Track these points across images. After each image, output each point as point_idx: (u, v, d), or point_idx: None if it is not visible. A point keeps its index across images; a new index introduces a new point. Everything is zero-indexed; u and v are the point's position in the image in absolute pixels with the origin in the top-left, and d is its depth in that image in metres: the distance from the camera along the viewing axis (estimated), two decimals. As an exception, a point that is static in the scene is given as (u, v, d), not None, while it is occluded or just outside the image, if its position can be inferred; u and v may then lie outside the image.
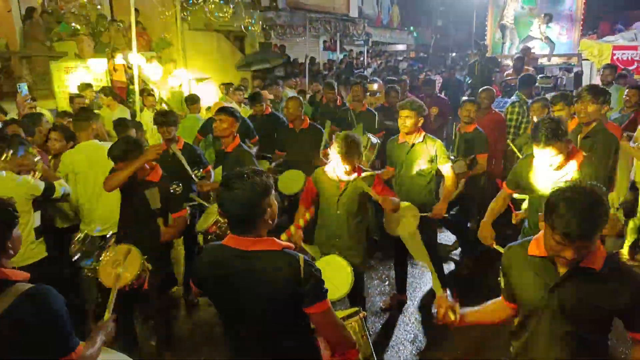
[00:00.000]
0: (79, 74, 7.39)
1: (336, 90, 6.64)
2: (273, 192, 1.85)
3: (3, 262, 1.75)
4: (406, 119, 3.78)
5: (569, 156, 2.80)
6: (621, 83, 6.39)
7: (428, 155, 3.85)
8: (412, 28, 24.36)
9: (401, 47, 24.05)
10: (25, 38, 8.53)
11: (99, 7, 11.25)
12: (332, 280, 2.65)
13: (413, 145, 3.87)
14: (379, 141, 4.84)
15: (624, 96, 5.66)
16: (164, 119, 4.17)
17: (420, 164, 3.87)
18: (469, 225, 5.06)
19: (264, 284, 1.77)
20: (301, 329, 1.90)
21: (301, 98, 5.45)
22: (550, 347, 1.84)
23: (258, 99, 5.87)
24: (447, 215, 3.99)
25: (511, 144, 4.67)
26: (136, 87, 6.55)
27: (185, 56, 10.71)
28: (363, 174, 3.18)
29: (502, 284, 2.06)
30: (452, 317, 1.97)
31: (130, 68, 8.80)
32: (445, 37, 25.02)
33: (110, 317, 2.17)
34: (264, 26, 12.32)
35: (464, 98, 4.04)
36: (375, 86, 7.85)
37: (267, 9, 13.14)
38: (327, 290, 1.84)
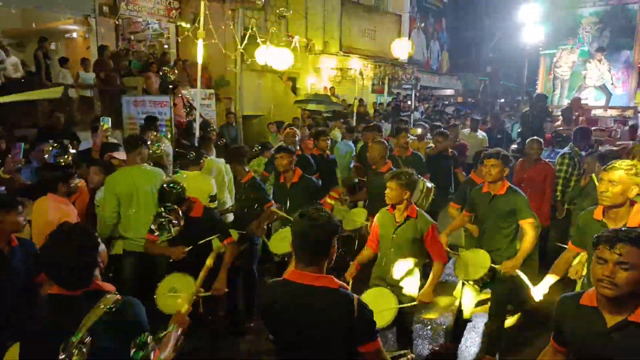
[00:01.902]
0: (146, 108, 7.98)
1: (383, 133, 6.84)
2: None
3: (96, 275, 1.98)
4: (491, 168, 3.75)
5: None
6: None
7: (509, 209, 3.76)
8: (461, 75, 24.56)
9: (449, 91, 24.22)
10: (97, 74, 9.32)
11: (165, 46, 12.20)
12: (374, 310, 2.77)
13: (495, 196, 3.80)
14: (433, 185, 4.93)
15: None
16: (234, 155, 4.57)
17: (500, 217, 3.80)
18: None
19: (320, 319, 1.89)
20: None
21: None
22: None
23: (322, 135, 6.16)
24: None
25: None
26: (197, 123, 7.00)
27: (242, 94, 11.34)
28: (419, 216, 3.35)
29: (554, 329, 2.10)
30: None
31: (190, 104, 9.43)
32: (493, 83, 25.03)
33: (188, 309, 2.33)
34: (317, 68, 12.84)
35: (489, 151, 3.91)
36: (419, 130, 8.00)
37: (320, 52, 13.73)
38: (378, 331, 1.95)
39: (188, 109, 9.18)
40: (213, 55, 11.43)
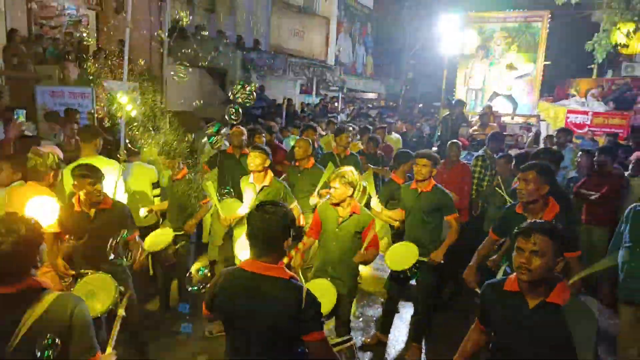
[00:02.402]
0: (65, 99, 7.47)
1: (317, 132, 7.01)
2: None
3: (34, 273, 1.90)
4: (422, 167, 4.07)
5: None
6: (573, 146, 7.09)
7: (435, 205, 4.10)
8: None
9: (372, 95, 25.08)
10: (6, 60, 8.55)
11: (84, 34, 11.45)
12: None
13: (422, 192, 4.13)
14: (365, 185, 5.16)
15: (576, 158, 6.27)
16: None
17: (427, 212, 4.11)
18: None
19: (269, 307, 1.99)
20: (299, 355, 2.09)
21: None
22: None
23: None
24: (443, 261, 4.11)
25: (499, 190, 5.05)
26: (123, 117, 6.68)
27: (167, 89, 10.95)
28: (362, 212, 3.56)
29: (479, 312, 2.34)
30: None
31: (111, 96, 8.96)
32: (414, 88, 26.31)
33: (112, 352, 2.26)
34: (247, 66, 12.75)
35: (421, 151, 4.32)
36: (350, 129, 8.31)
37: (250, 50, 13.63)
38: (324, 322, 2.07)
39: (109, 103, 8.72)
40: (137, 47, 10.94)
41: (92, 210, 3.29)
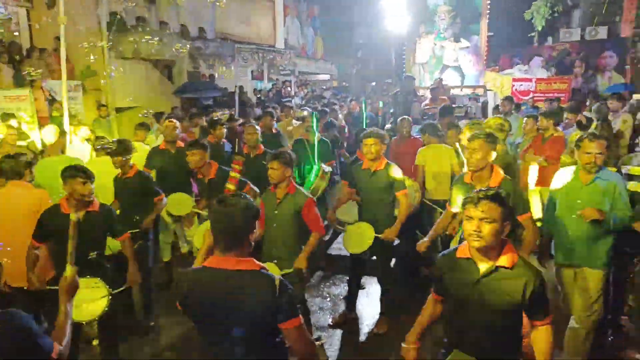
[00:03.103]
0: (1, 104, 7.07)
1: (274, 118, 6.95)
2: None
3: None
4: (371, 147, 4.11)
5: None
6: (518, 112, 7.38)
7: (388, 182, 4.16)
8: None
9: (325, 76, 25.05)
10: None
11: (16, 33, 10.79)
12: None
13: (375, 172, 4.18)
14: (331, 170, 5.20)
15: (522, 125, 6.54)
16: (118, 147, 4.32)
17: (381, 190, 4.18)
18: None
19: (245, 301, 1.93)
20: (277, 345, 2.06)
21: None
22: (477, 332, 2.21)
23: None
24: (398, 238, 4.21)
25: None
26: (66, 118, 6.41)
27: (112, 85, 10.53)
28: (296, 192, 3.64)
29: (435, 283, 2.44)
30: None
31: (52, 97, 8.56)
32: (365, 67, 26.45)
33: (73, 269, 2.21)
34: (194, 55, 12.43)
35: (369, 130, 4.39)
36: (304, 113, 8.29)
37: (196, 38, 13.27)
38: (299, 308, 2.04)
39: (50, 103, 8.33)
40: (74, 44, 10.43)
41: (81, 213, 3.17)
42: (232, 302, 1.94)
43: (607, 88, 15.68)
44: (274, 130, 6.83)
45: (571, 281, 3.44)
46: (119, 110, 11.00)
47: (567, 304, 3.50)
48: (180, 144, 5.26)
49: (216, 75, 13.53)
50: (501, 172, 3.34)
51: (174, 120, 5.51)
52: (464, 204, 2.20)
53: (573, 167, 3.47)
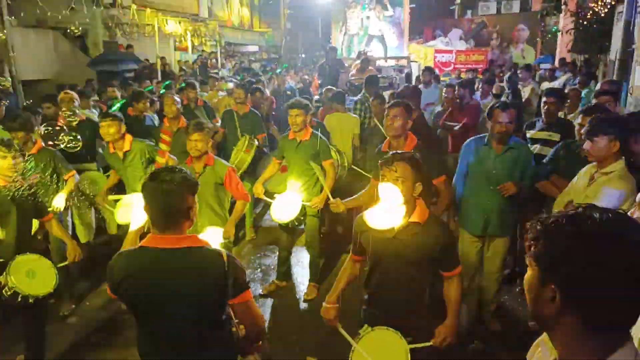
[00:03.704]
0: None
1: (197, 91, 6.73)
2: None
3: None
4: (296, 117, 4.13)
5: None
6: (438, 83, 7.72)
7: (314, 152, 4.21)
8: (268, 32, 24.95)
9: (253, 48, 24.47)
10: None
11: None
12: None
13: (300, 142, 4.23)
14: (257, 144, 5.16)
15: (443, 93, 6.84)
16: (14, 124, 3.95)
17: (307, 160, 4.21)
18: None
19: (192, 280, 1.83)
20: (224, 321, 1.98)
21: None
22: (392, 285, 2.37)
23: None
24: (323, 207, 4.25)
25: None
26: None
27: (14, 56, 9.60)
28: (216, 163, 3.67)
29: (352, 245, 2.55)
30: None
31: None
32: (294, 39, 26.16)
33: None
34: (109, 24, 11.61)
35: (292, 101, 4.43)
36: (230, 85, 8.14)
37: (110, 5, 12.37)
38: (249, 281, 1.98)
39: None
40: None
41: None
42: (178, 282, 1.82)
43: (535, 60, 16.72)
44: (199, 103, 6.64)
45: (478, 250, 3.61)
46: (25, 83, 10.11)
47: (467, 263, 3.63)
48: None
49: (133, 46, 12.76)
50: (415, 138, 3.49)
51: (70, 92, 5.14)
52: (381, 167, 2.30)
53: (483, 135, 3.56)
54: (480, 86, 7.91)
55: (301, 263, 5.08)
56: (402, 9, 14.41)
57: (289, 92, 8.52)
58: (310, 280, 4.59)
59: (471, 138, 3.71)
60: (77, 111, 5.00)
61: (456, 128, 6.06)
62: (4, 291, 2.80)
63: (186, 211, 1.86)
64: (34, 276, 2.93)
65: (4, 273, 2.81)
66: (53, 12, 8.93)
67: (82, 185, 4.43)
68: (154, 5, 14.15)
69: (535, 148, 4.05)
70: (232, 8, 22.15)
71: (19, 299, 2.80)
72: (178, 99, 5.15)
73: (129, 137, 4.23)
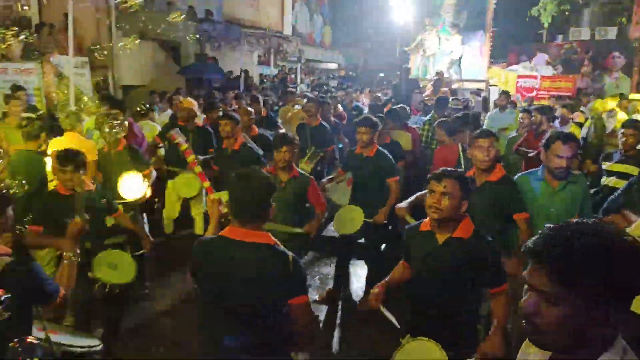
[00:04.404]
0: (9, 76, 7.25)
1: (261, 104, 7.10)
2: None
3: None
4: (363, 135, 4.26)
5: None
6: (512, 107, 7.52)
7: (378, 169, 4.29)
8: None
9: (332, 65, 25.08)
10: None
11: (25, 8, 10.93)
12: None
13: (366, 157, 4.32)
14: (321, 154, 5.38)
15: (519, 118, 6.65)
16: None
17: (371, 175, 4.31)
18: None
19: (257, 273, 1.99)
20: (282, 317, 2.09)
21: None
22: (433, 296, 2.39)
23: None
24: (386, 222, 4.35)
25: None
26: (71, 93, 6.56)
27: (117, 63, 10.70)
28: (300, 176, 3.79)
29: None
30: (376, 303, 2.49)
31: (60, 72, 8.70)
32: (373, 58, 26.44)
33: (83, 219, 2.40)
34: (200, 37, 12.54)
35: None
36: (305, 101, 8.44)
37: (203, 20, 13.35)
38: (309, 286, 2.20)
39: (58, 78, 8.47)
40: (83, 20, 10.57)
41: None
42: (246, 272, 1.99)
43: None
44: (263, 114, 6.96)
45: None
46: (125, 88, 11.19)
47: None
48: (198, 123, 5.39)
49: (219, 59, 13.64)
50: (502, 169, 3.31)
51: (187, 99, 5.64)
52: (429, 180, 2.38)
53: (538, 170, 3.26)
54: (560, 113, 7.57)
55: (357, 275, 5.15)
56: (484, 32, 14.15)
57: (354, 112, 8.68)
58: (365, 293, 4.65)
59: (524, 172, 3.42)
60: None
61: (531, 154, 5.86)
62: (96, 286, 3.13)
63: (265, 210, 2.07)
64: (115, 268, 3.20)
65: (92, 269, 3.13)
66: (153, 25, 9.83)
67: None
68: (242, 22, 15.10)
69: (611, 181, 3.86)
70: (315, 26, 22.92)
71: (107, 289, 3.13)
72: (251, 109, 5.49)
73: (240, 139, 4.65)
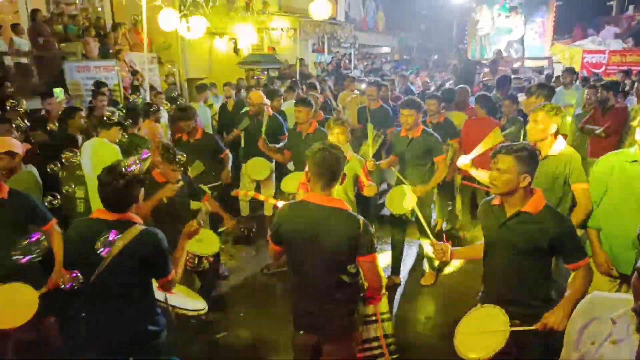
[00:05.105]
0: (91, 74, 7.94)
1: (319, 90, 7.32)
2: None
3: (133, 210, 2.40)
4: (407, 117, 4.37)
5: None
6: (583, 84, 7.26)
7: (425, 149, 4.42)
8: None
9: (386, 49, 24.85)
10: (32, 40, 9.00)
11: (100, 9, 11.78)
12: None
13: (412, 139, 4.44)
14: (383, 136, 5.51)
15: (585, 96, 6.48)
16: (185, 113, 4.82)
17: (418, 156, 4.46)
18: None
19: (333, 233, 2.33)
20: (354, 274, 2.45)
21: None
22: (502, 273, 2.51)
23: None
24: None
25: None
26: (147, 87, 7.13)
27: (185, 58, 11.31)
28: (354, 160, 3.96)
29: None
30: (446, 256, 2.66)
31: (132, 68, 9.38)
32: (427, 40, 25.92)
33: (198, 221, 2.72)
34: (258, 28, 12.94)
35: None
36: (363, 86, 8.57)
37: (260, 12, 13.74)
38: (377, 247, 2.43)
39: (132, 74, 9.15)
40: (151, 19, 11.24)
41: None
42: (324, 230, 2.33)
43: None
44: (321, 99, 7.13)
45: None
46: (189, 81, 11.83)
47: None
48: (269, 112, 5.64)
49: (275, 49, 14.00)
50: (564, 142, 3.31)
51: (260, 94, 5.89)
52: (491, 156, 2.48)
53: (629, 149, 2.98)
54: (635, 88, 7.25)
55: (413, 254, 5.32)
56: (547, 7, 13.55)
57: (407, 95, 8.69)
58: (427, 269, 4.82)
59: (609, 153, 3.14)
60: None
61: (597, 132, 5.74)
62: (192, 262, 3.51)
63: (338, 177, 2.42)
64: (201, 241, 3.54)
65: None
66: (215, 20, 10.30)
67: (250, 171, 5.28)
68: (297, 11, 15.34)
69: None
70: (368, 11, 22.79)
71: (200, 265, 3.51)
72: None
73: (315, 124, 4.91)
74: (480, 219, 2.69)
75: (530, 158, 2.39)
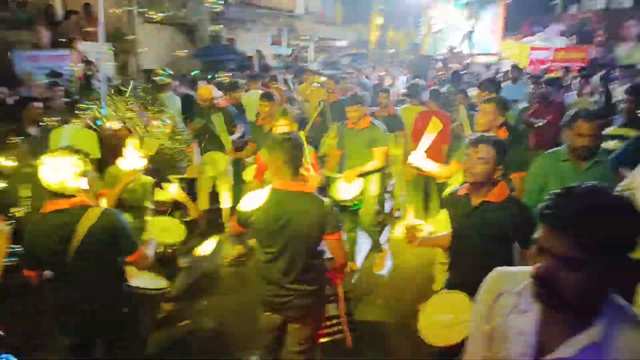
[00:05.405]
0: (43, 63, 7.68)
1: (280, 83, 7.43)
2: None
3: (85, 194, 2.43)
4: (353, 113, 4.56)
5: None
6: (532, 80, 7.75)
7: (371, 139, 4.59)
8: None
9: (343, 43, 25.08)
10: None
11: (49, -3, 11.31)
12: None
13: (359, 130, 4.62)
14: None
15: (530, 91, 6.93)
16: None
17: (365, 146, 4.61)
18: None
19: (302, 214, 2.51)
20: (320, 252, 2.68)
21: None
22: (469, 260, 2.59)
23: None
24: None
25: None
26: (102, 78, 6.96)
27: (138, 48, 11.06)
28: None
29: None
30: (418, 234, 2.70)
31: (86, 58, 9.12)
32: (385, 34, 26.33)
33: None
34: (216, 20, 12.82)
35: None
36: (322, 79, 8.74)
37: (216, 2, 13.59)
38: (342, 223, 2.64)
39: (84, 64, 8.90)
40: (106, 7, 10.90)
41: None
42: (298, 215, 2.51)
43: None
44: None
45: None
46: (145, 71, 11.58)
47: None
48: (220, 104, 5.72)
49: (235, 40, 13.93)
50: (507, 132, 3.56)
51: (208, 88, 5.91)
52: (466, 145, 2.57)
53: (560, 148, 3.13)
54: (572, 83, 7.78)
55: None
56: (496, 4, 14.16)
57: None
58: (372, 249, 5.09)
59: (542, 154, 3.27)
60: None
61: (539, 124, 6.16)
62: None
63: (299, 165, 2.60)
64: (167, 230, 3.68)
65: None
66: (172, 10, 10.15)
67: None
68: (255, 2, 15.30)
69: (609, 144, 4.12)
70: (326, 4, 22.90)
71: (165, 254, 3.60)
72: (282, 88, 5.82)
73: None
74: (447, 210, 2.79)
75: (503, 150, 2.52)
